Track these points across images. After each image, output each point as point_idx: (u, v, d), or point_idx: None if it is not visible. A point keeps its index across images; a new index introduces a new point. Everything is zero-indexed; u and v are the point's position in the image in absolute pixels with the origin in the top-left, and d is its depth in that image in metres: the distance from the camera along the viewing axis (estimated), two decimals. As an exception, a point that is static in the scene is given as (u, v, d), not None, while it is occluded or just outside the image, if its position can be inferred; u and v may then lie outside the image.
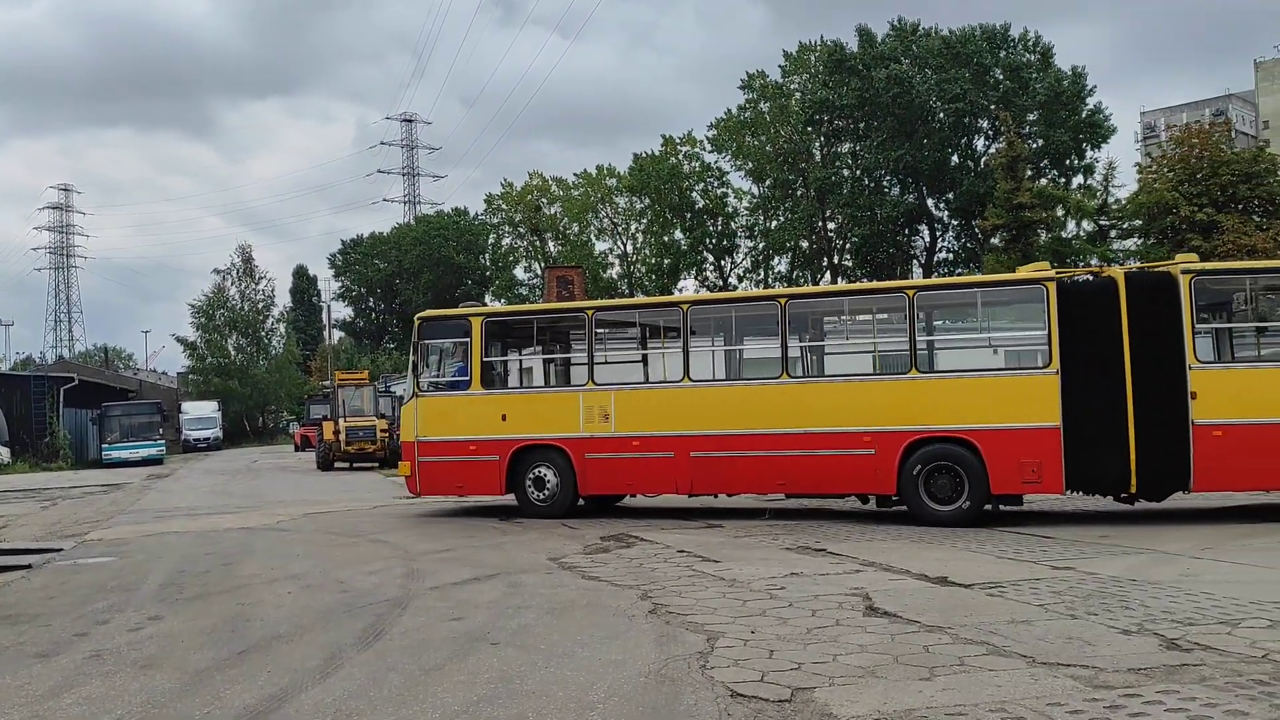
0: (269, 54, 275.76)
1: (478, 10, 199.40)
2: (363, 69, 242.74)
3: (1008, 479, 12.82)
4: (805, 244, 70.96)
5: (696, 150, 75.54)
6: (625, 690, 5.80)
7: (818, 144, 68.19)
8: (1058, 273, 13.28)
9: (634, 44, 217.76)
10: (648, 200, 77.47)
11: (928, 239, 64.58)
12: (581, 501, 15.12)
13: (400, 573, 10.44)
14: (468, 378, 15.19)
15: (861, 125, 62.80)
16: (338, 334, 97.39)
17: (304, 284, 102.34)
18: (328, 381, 59.90)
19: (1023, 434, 12.74)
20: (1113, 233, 43.61)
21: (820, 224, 68.62)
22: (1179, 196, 39.54)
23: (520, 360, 17.27)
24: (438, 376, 15.89)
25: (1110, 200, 43.86)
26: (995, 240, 50.23)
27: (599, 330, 15.25)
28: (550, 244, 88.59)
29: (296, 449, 54.32)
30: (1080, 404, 12.59)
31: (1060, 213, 44.19)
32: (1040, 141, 56.50)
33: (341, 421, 34.29)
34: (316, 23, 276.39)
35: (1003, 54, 59.63)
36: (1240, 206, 39.59)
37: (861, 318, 16.21)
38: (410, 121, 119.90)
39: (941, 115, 59.81)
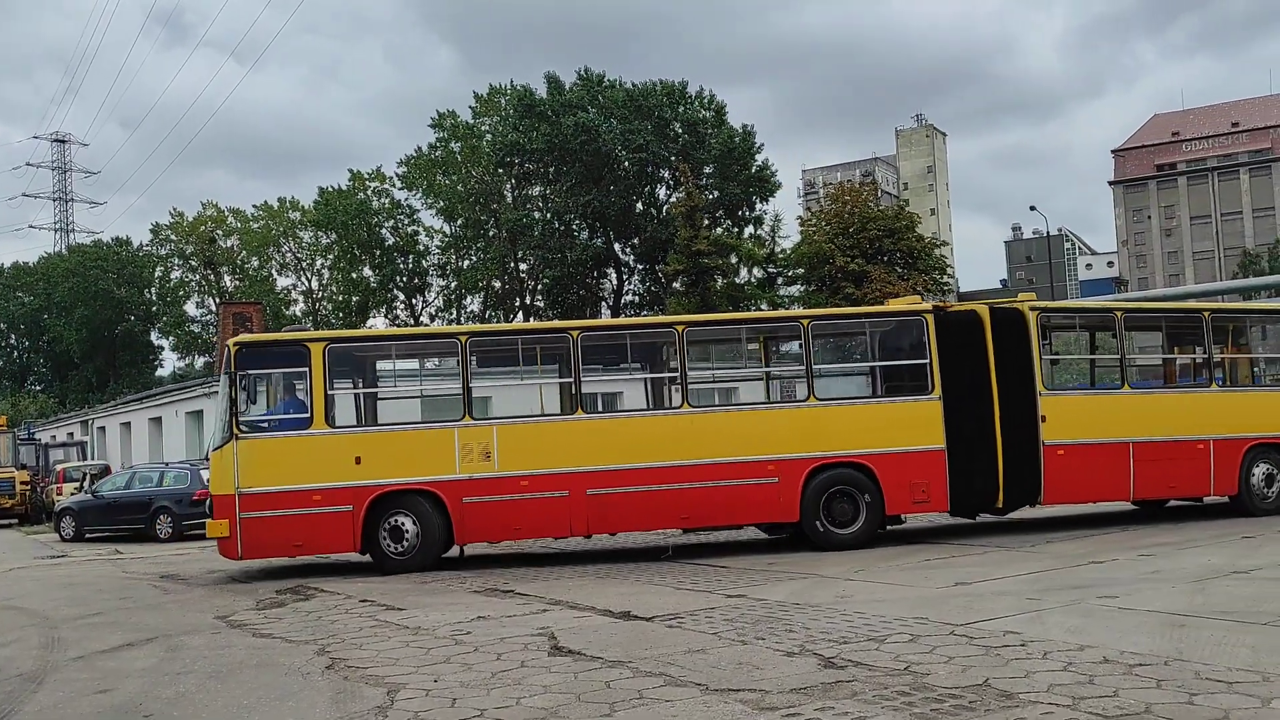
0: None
1: (142, 30, 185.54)
2: (3, 84, 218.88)
3: (901, 500, 13.54)
4: (498, 284, 71.37)
5: (386, 187, 74.19)
6: (296, 754, 5.46)
7: (509, 185, 68.95)
8: (933, 306, 14.12)
9: (318, 76, 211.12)
10: (334, 235, 75.02)
11: (615, 282, 66.79)
12: (457, 552, 13.75)
13: (37, 643, 9.34)
14: (307, 414, 12.88)
15: (551, 169, 64.18)
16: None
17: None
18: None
19: (913, 457, 13.48)
20: (779, 279, 47.08)
21: (512, 264, 69.28)
22: (834, 248, 43.49)
23: (374, 393, 14.83)
24: (263, 414, 13.31)
25: (777, 250, 47.40)
26: (677, 284, 52.88)
27: (474, 359, 13.72)
28: (226, 278, 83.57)
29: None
30: (958, 427, 13.49)
31: (734, 260, 47.17)
32: (716, 193, 60.10)
33: (-28, 473, 30.44)
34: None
35: (681, 109, 63.08)
36: (885, 258, 44.07)
37: (753, 346, 15.86)
38: (63, 142, 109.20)
39: (627, 164, 62.29)
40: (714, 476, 13.21)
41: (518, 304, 72.26)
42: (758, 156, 61.85)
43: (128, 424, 37.29)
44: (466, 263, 73.91)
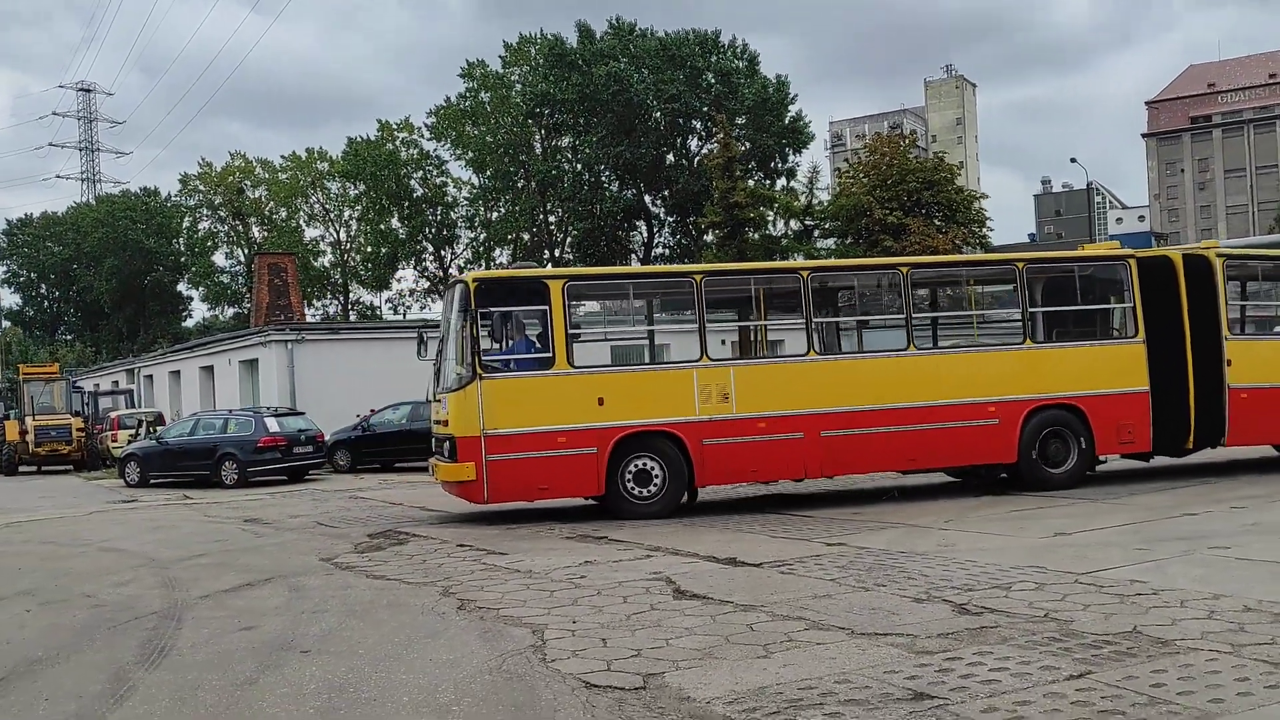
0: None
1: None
2: (23, 32, 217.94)
3: (1109, 441, 13.89)
4: (527, 236, 71.18)
5: (415, 137, 73.81)
6: (475, 690, 5.54)
7: (539, 137, 68.51)
8: (1133, 251, 14.48)
9: (336, 25, 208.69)
10: (363, 187, 74.82)
11: (646, 235, 66.52)
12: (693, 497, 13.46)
13: (154, 582, 9.50)
14: (549, 354, 12.43)
15: (582, 120, 63.71)
16: (4, 323, 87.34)
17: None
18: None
19: (1121, 399, 13.82)
20: (816, 232, 46.74)
21: (542, 216, 69.03)
22: (873, 200, 43.03)
23: (619, 332, 14.74)
24: (505, 353, 12.76)
25: (814, 202, 47.00)
26: (708, 237, 52.62)
27: (708, 299, 13.39)
28: (255, 229, 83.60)
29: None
30: (1158, 370, 13.87)
31: (770, 213, 46.82)
32: (748, 144, 59.55)
33: (29, 420, 30.76)
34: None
35: (714, 59, 62.40)
36: (924, 211, 43.62)
37: (974, 289, 15.90)
38: (88, 91, 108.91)
39: (658, 114, 61.77)
40: (939, 418, 13.29)
41: (546, 256, 72.12)
42: (791, 108, 61.30)
43: (177, 372, 37.52)
44: (495, 215, 73.64)
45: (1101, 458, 14.38)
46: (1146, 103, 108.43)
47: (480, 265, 76.47)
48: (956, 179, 46.33)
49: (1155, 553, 8.85)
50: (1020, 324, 14.03)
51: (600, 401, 12.47)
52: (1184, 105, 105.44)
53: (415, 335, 14.62)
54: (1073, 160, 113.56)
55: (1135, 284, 14.07)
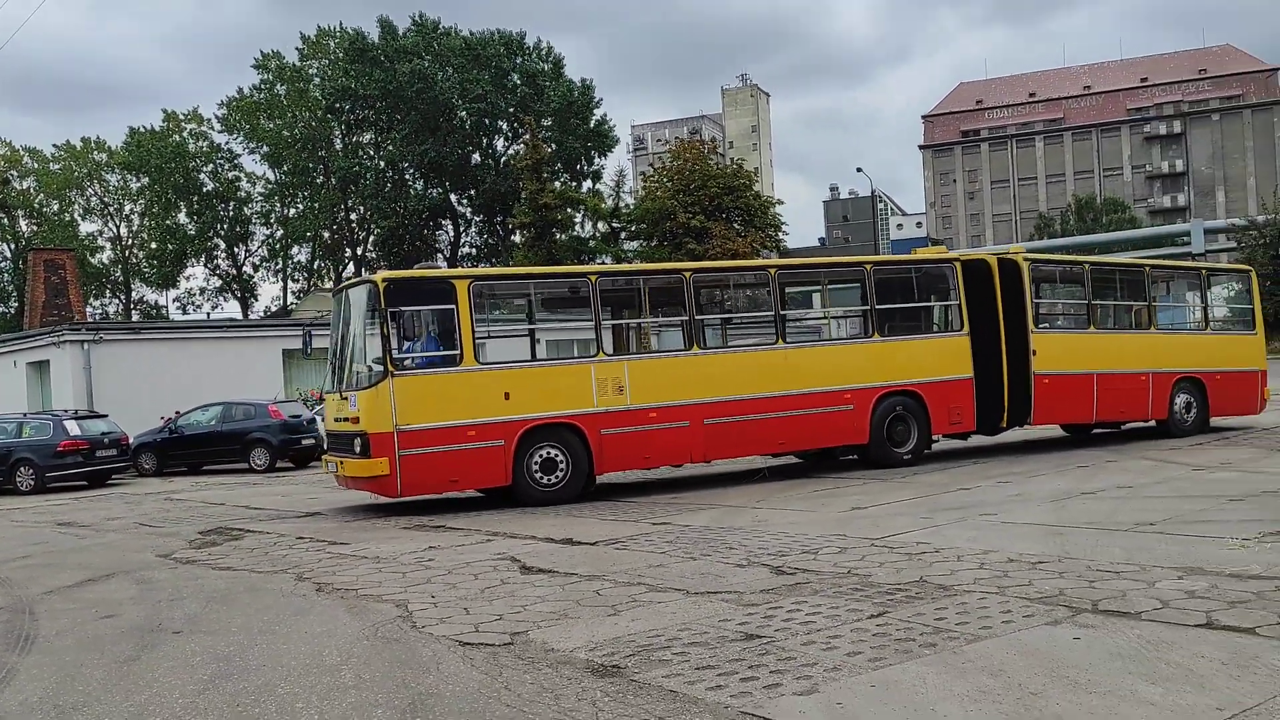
0: None
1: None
2: None
3: (941, 422, 15.70)
4: (327, 234, 69.59)
5: (205, 129, 70.83)
6: (358, 652, 6.05)
7: (339, 132, 67.17)
8: (957, 255, 16.52)
9: (105, 4, 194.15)
10: (147, 179, 71.13)
11: (452, 234, 66.32)
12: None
13: (-16, 583, 9.33)
14: (457, 351, 12.89)
15: (385, 117, 62.95)
16: None
17: None
18: None
19: (951, 385, 15.65)
20: (622, 234, 48.02)
21: (343, 214, 67.68)
22: (677, 204, 44.69)
23: (521, 330, 15.52)
24: (414, 351, 13.17)
25: (621, 205, 48.28)
26: (517, 238, 53.12)
27: (602, 297, 14.16)
28: (22, 223, 77.90)
29: None
30: (979, 359, 15.78)
31: (578, 214, 47.81)
32: (554, 146, 60.46)
33: None
34: None
35: (519, 60, 63.00)
36: (725, 215, 45.63)
37: (830, 288, 17.66)
38: None
39: (464, 114, 61.83)
40: (804, 405, 14.68)
41: (348, 255, 70.73)
42: (596, 111, 62.62)
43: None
44: (293, 211, 71.68)
45: (936, 437, 16.26)
46: (922, 116, 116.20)
47: (277, 263, 74.25)
48: (754, 185, 48.67)
49: (936, 520, 10.17)
50: (868, 320, 15.60)
51: (506, 396, 13.06)
52: (955, 120, 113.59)
53: (301, 333, 15.45)
54: (858, 169, 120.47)
55: (960, 284, 16.00)
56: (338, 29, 66.77)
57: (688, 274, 14.58)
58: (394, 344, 12.62)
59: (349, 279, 15.46)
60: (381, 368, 12.49)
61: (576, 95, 61.27)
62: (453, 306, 12.85)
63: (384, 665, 5.76)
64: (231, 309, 73.30)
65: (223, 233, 71.07)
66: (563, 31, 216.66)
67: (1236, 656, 5.23)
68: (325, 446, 14.19)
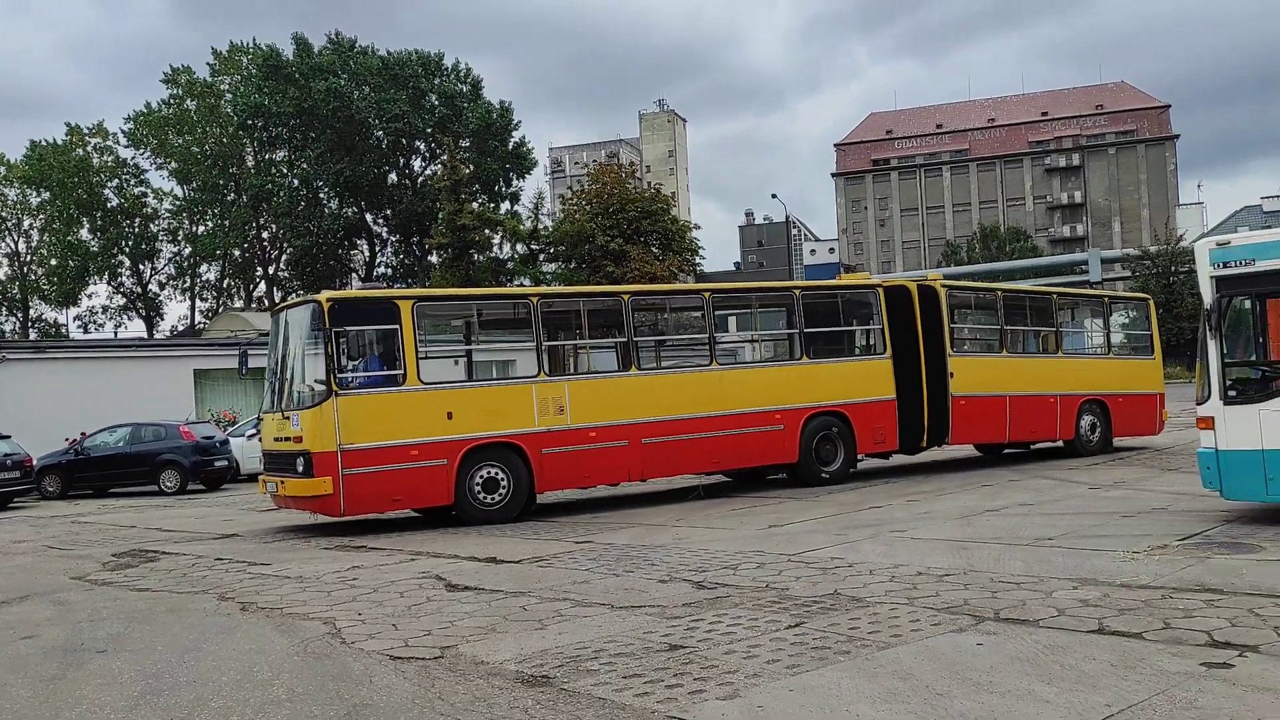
0: None
1: None
2: None
3: (866, 441, 16.19)
4: (238, 252, 68.27)
5: (110, 144, 68.95)
6: (290, 667, 6.12)
7: (251, 149, 66.05)
8: (880, 282, 17.17)
9: (3, 12, 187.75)
10: (47, 194, 68.92)
11: (368, 254, 65.63)
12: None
13: (-112, 608, 9.09)
14: (400, 371, 12.91)
15: (299, 135, 62.15)
16: None
17: None
18: None
19: (875, 406, 16.18)
20: (541, 256, 48.20)
21: (254, 232, 66.50)
22: (596, 227, 45.06)
23: (464, 350, 15.73)
24: (358, 370, 13.07)
25: (539, 227, 48.48)
26: (434, 258, 52.90)
27: (544, 319, 14.29)
28: (-87, 236, 74.82)
29: None
30: (901, 381, 16.24)
31: (497, 236, 47.87)
32: (473, 167, 60.39)
33: None
34: None
35: (437, 81, 62.80)
36: (643, 239, 46.14)
37: (759, 312, 17.77)
38: None
39: (380, 133, 61.36)
40: (739, 425, 15.09)
41: (259, 274, 69.46)
42: (515, 133, 62.71)
43: None
44: (202, 228, 70.13)
45: (860, 456, 16.78)
46: (835, 145, 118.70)
47: (185, 281, 72.50)
48: (672, 209, 49.31)
49: (850, 537, 10.56)
50: (797, 343, 16.18)
51: (449, 415, 13.15)
52: (866, 149, 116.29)
53: (238, 352, 15.64)
54: (773, 196, 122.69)
55: (883, 309, 16.61)
56: (251, 45, 65.78)
57: (626, 297, 15.01)
58: (338, 363, 12.60)
59: (290, 300, 15.73)
60: (325, 387, 12.51)
61: (495, 117, 61.26)
62: (396, 326, 12.91)
63: (316, 679, 5.85)
64: (136, 328, 71.39)
65: (128, 250, 69.14)
66: (481, 53, 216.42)
67: (1125, 658, 5.64)
68: (263, 466, 14.11)
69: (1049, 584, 7.67)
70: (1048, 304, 19.34)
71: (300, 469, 12.61)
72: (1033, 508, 12.26)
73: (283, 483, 13.05)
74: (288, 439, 12.92)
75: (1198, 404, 10.26)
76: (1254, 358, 10.51)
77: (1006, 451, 19.37)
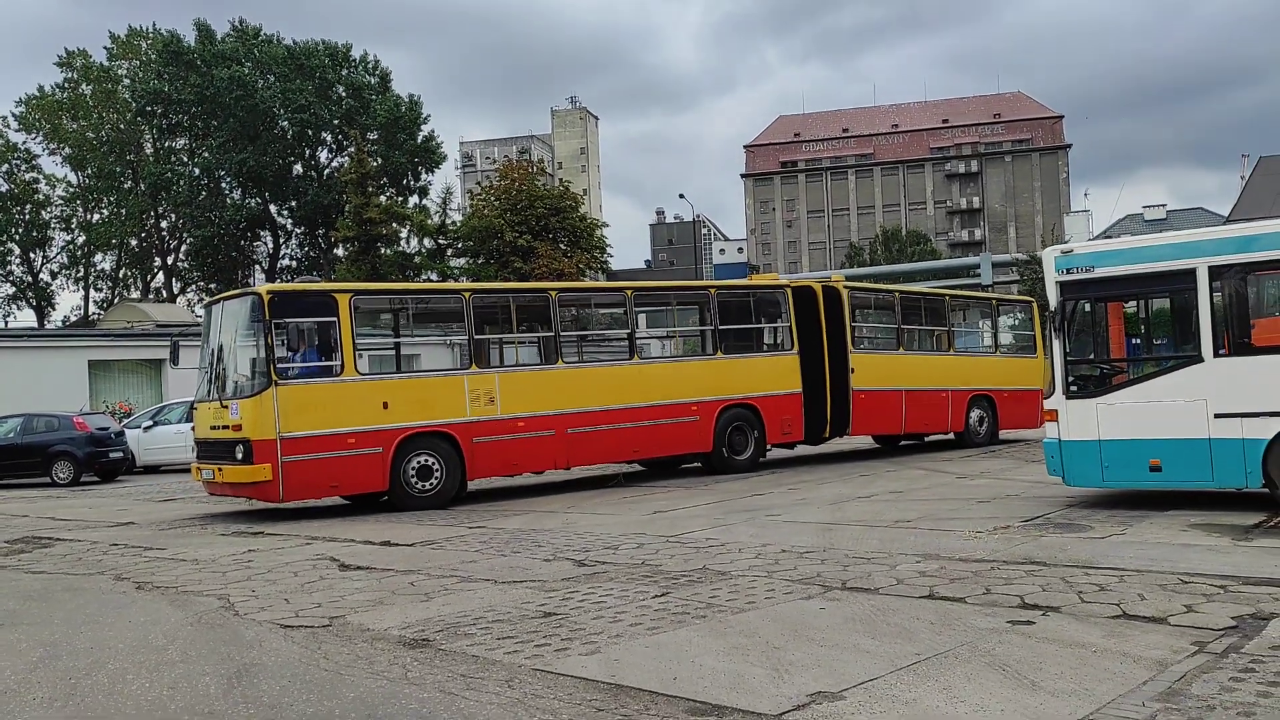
0: None
1: None
2: None
3: (775, 433, 17.16)
4: (134, 242, 66.63)
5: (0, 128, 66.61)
6: (183, 635, 6.51)
7: (150, 137, 64.54)
8: (787, 282, 18.14)
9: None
10: (-69, 179, 66.34)
11: (271, 246, 64.68)
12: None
13: None
14: (337, 362, 13.29)
15: (200, 123, 60.97)
16: None
17: None
18: None
19: (783, 399, 17.20)
20: (449, 251, 48.27)
21: (152, 221, 64.99)
22: (504, 223, 45.35)
23: (398, 342, 15.82)
24: (297, 361, 13.23)
25: (448, 222, 48.52)
26: (340, 251, 52.49)
27: (475, 312, 14.84)
28: None
29: None
30: (807, 376, 17.32)
31: (404, 230, 47.77)
32: (380, 160, 60.00)
33: None
34: None
35: (345, 72, 62.17)
36: (551, 236, 46.58)
37: (677, 309, 18.82)
38: None
39: (285, 124, 60.53)
40: (656, 416, 15.90)
41: (158, 264, 67.90)
42: (424, 127, 62.43)
43: None
44: (97, 216, 68.25)
45: (769, 446, 17.64)
46: (744, 146, 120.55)
47: (79, 270, 70.46)
48: (581, 207, 49.83)
49: (727, 520, 11.25)
50: (711, 339, 17.01)
51: (385, 405, 13.58)
52: (775, 151, 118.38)
53: (169, 343, 15.94)
54: (681, 195, 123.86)
55: (791, 308, 17.63)
56: (150, 29, 64.29)
57: (553, 293, 15.86)
58: (277, 354, 12.92)
59: (226, 292, 16.18)
60: (265, 377, 12.88)
61: (404, 110, 60.86)
62: (334, 319, 13.31)
63: (209, 645, 6.27)
64: (26, 318, 69.12)
65: (17, 238, 66.89)
66: (391, 44, 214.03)
67: (944, 618, 6.38)
68: (196, 455, 14.28)
69: (896, 559, 8.44)
70: (941, 305, 20.61)
71: (240, 456, 12.92)
72: (901, 494, 13.14)
73: (220, 470, 13.29)
74: (226, 427, 13.19)
75: (1044, 398, 11.20)
76: (1093, 356, 11.48)
77: (903, 444, 20.44)
